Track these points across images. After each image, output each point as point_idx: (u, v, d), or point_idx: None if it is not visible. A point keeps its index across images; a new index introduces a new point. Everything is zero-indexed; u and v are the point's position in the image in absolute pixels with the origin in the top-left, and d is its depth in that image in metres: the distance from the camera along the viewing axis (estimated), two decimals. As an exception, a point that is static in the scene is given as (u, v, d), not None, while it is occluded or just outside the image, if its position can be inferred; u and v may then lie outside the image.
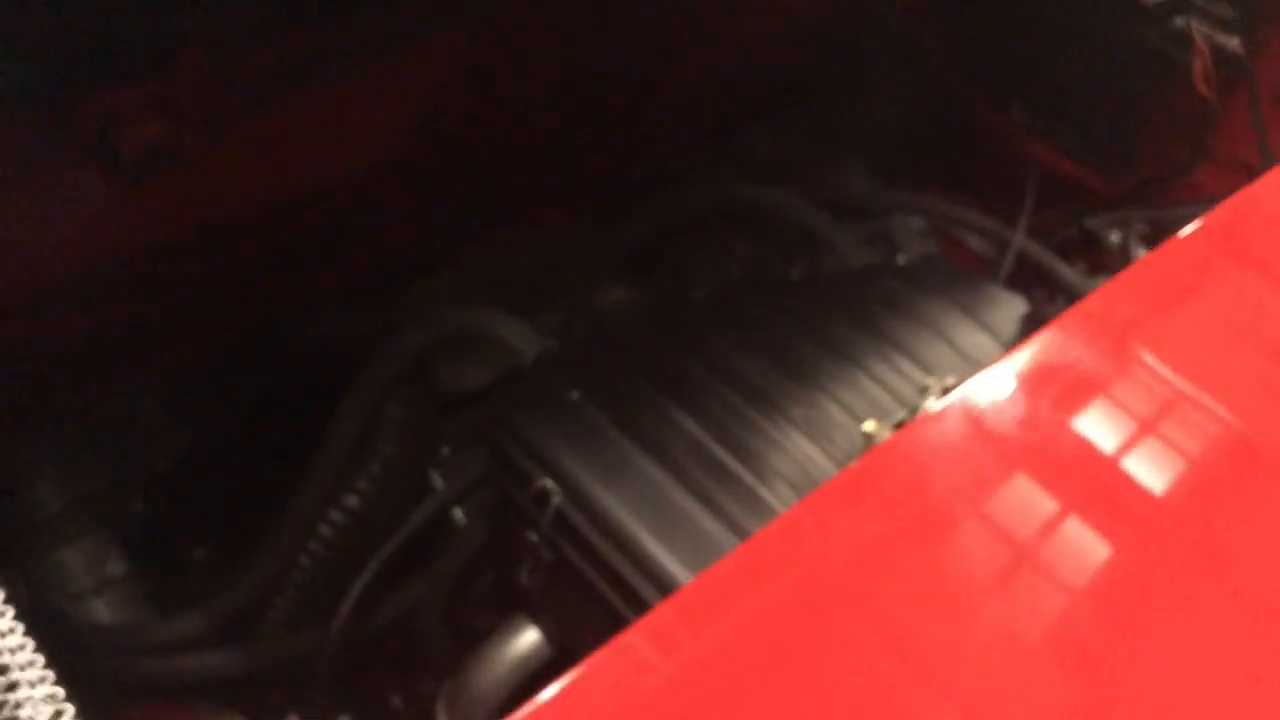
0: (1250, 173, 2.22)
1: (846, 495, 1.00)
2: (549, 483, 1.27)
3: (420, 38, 1.38)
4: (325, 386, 1.55)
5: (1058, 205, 2.28)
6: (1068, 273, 2.01)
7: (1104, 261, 2.18)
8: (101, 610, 1.53)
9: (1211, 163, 2.25)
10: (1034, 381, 1.13)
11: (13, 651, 0.82)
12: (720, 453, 1.31)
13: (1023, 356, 1.16)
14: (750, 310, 1.49)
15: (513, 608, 1.49)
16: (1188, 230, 1.36)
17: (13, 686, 0.80)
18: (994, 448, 1.04)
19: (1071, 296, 2.01)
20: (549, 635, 1.46)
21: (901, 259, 1.79)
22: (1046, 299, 2.07)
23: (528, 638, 1.47)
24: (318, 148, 1.43)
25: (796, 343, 1.44)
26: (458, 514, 1.61)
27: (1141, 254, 2.05)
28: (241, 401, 1.60)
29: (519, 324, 1.49)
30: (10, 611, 0.81)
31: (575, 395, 1.33)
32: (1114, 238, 2.15)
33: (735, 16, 1.89)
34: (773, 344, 1.43)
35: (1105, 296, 1.28)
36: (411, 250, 1.71)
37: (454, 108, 1.53)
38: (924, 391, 1.27)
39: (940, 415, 1.06)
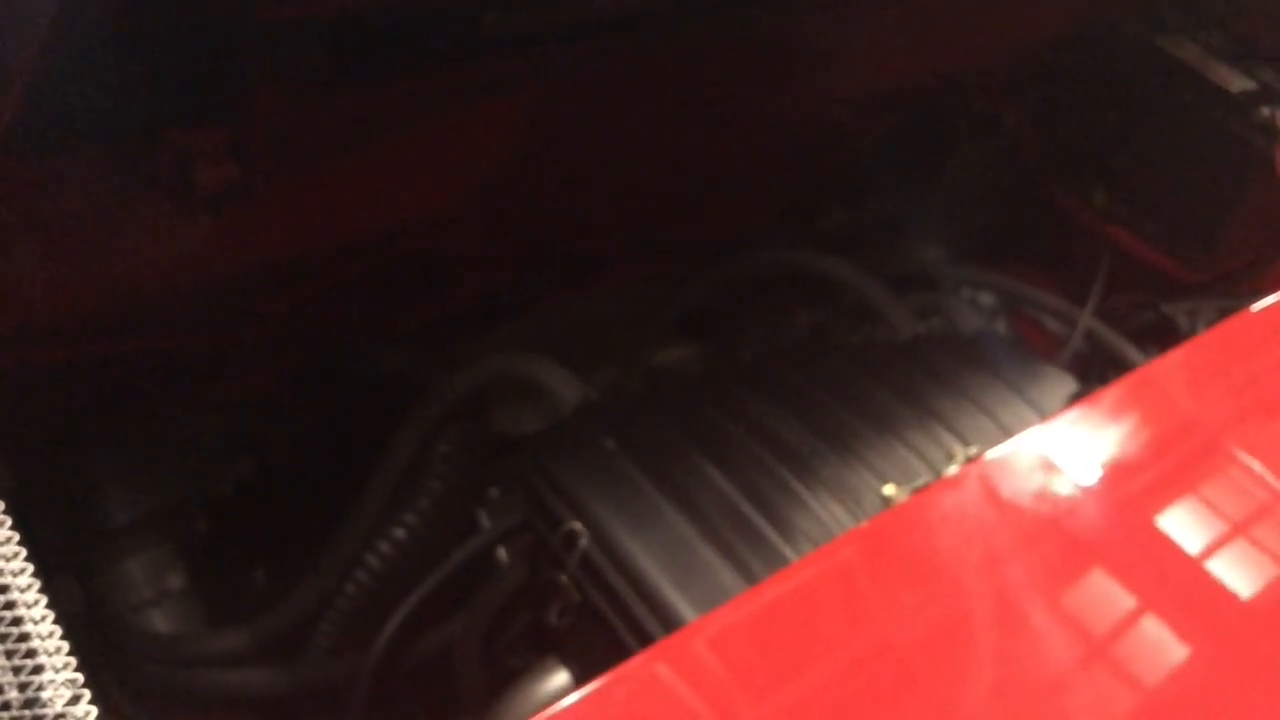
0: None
1: (846, 554, 1.01)
2: (577, 526, 1.31)
3: (495, 92, 1.44)
4: (382, 420, 1.61)
5: (1134, 290, 2.26)
6: (1136, 354, 1.99)
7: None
8: (158, 620, 1.60)
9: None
10: (1058, 453, 1.13)
11: (43, 638, 0.88)
12: (747, 508, 1.33)
13: (1052, 428, 1.17)
14: (793, 374, 1.52)
15: (544, 649, 1.53)
16: (1240, 316, 1.36)
17: (38, 669, 0.86)
18: (1002, 516, 1.05)
19: (1138, 381, 1.98)
20: (577, 677, 1.48)
21: (955, 332, 1.80)
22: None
23: (558, 680, 1.49)
24: (388, 194, 1.50)
25: (835, 408, 1.46)
26: (501, 554, 1.65)
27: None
28: (303, 430, 1.67)
29: (563, 372, 1.54)
30: (43, 601, 0.87)
31: (610, 443, 1.37)
32: (1185, 323, 2.13)
33: (814, 91, 1.93)
34: (812, 408, 1.45)
35: (1144, 374, 1.28)
36: (476, 298, 1.77)
37: (525, 163, 1.59)
38: (950, 458, 1.28)
39: (956, 480, 1.08)
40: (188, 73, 1.07)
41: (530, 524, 1.44)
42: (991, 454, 1.13)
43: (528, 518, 1.44)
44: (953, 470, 1.19)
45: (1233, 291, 2.22)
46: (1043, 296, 2.10)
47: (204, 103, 1.13)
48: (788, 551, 1.30)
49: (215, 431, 1.61)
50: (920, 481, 1.23)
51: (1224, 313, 2.06)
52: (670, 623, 1.25)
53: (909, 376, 1.52)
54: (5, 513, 0.90)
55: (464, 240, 1.67)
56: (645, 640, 1.28)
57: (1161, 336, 2.20)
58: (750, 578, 1.27)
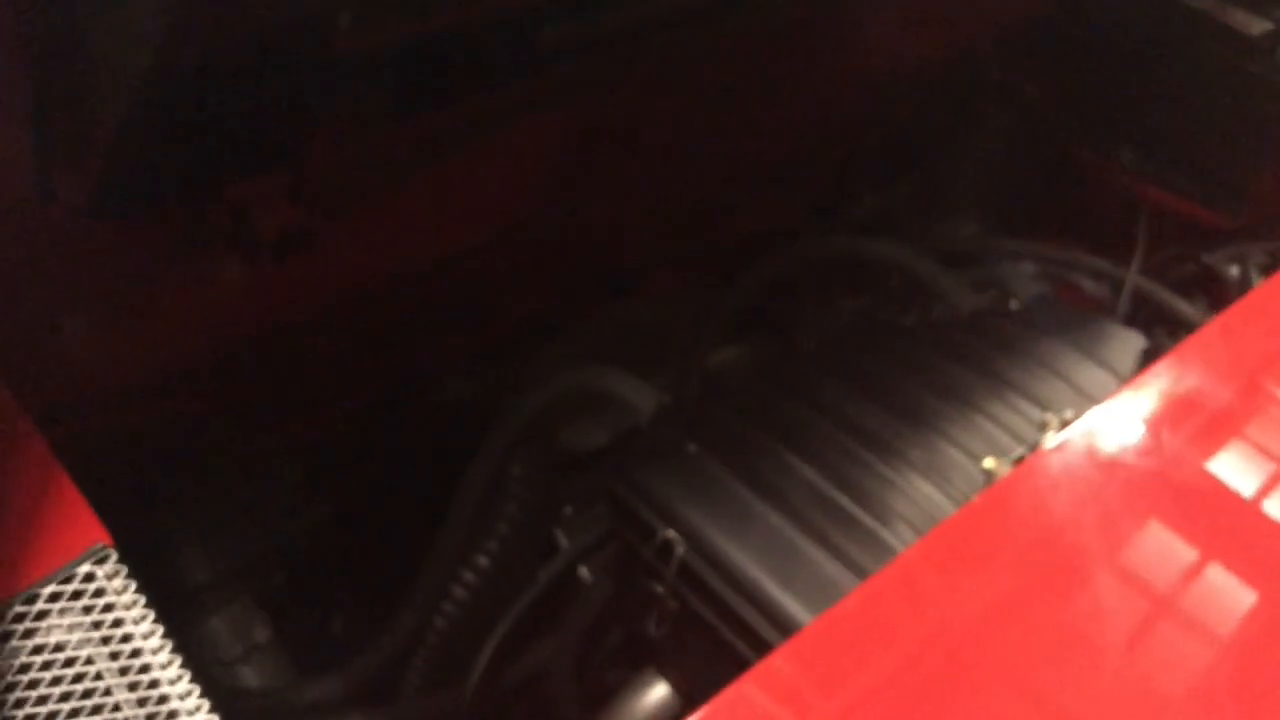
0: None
1: (966, 533, 1.00)
2: (672, 534, 1.30)
3: (540, 109, 1.44)
4: (453, 451, 1.60)
5: (1173, 244, 2.25)
6: (1188, 309, 1.98)
7: (1225, 297, 2.14)
8: (250, 676, 1.59)
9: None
10: (1152, 414, 1.12)
11: (181, 698, 0.88)
12: (839, 497, 1.32)
13: (1140, 389, 1.15)
14: (861, 358, 1.50)
15: (641, 662, 1.52)
16: None
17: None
18: (1115, 482, 1.04)
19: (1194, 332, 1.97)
20: (677, 688, 1.47)
21: (1014, 303, 1.79)
22: (1169, 337, 2.04)
23: (657, 692, 1.48)
24: (441, 222, 1.50)
25: (909, 387, 1.45)
26: (583, 572, 1.64)
27: (1259, 279, 2.00)
28: (374, 470, 1.66)
29: (635, 381, 1.53)
30: (177, 661, 0.87)
31: (693, 448, 1.36)
32: (1232, 271, 2.11)
33: (836, 76, 1.93)
34: (885, 390, 1.44)
35: (1221, 326, 1.27)
36: (531, 316, 1.77)
37: (568, 179, 1.60)
38: (1043, 427, 1.27)
39: (1058, 450, 1.06)
40: (246, 122, 1.06)
41: (617, 536, 1.43)
42: (1086, 418, 1.11)
43: (615, 531, 1.43)
44: (1049, 438, 1.17)
45: (1274, 234, 2.20)
46: (1084, 259, 2.09)
47: (261, 150, 1.13)
48: (886, 536, 1.28)
49: (285, 480, 1.60)
50: (1018, 453, 1.21)
51: (1274, 255, 2.04)
52: (779, 620, 1.23)
53: (978, 350, 1.51)
54: (129, 576, 0.89)
55: (511, 261, 1.67)
56: (754, 641, 1.27)
57: (1206, 287, 2.19)
58: (853, 566, 1.26)
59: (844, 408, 1.41)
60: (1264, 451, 1.11)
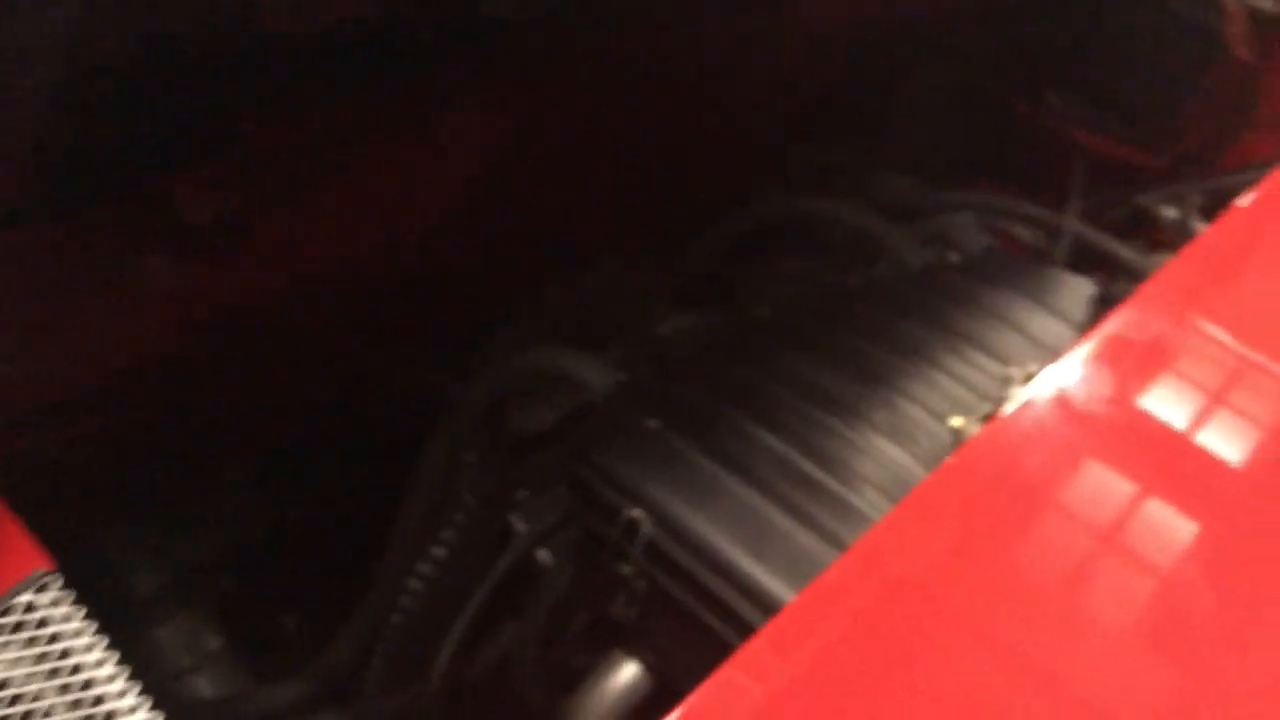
0: (1295, 133, 2.20)
1: (942, 497, 0.98)
2: (637, 513, 1.27)
3: (468, 96, 1.38)
4: (404, 443, 1.55)
5: (1106, 187, 2.26)
6: (1127, 252, 1.99)
7: (1160, 238, 2.16)
8: (204, 686, 1.54)
9: (1257, 126, 2.23)
10: (1116, 364, 1.11)
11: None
12: (805, 465, 1.30)
13: (1099, 339, 1.14)
14: (816, 322, 1.48)
15: (608, 643, 1.48)
16: (1244, 200, 1.34)
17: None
18: (1085, 436, 1.02)
19: (1134, 275, 1.98)
20: (648, 666, 1.44)
21: (957, 256, 1.78)
22: (1107, 281, 2.05)
23: (627, 672, 1.45)
24: (383, 208, 1.44)
25: (867, 348, 1.42)
26: (543, 555, 1.60)
27: (1200, 226, 2.02)
28: (324, 466, 1.61)
29: (588, 359, 1.49)
30: (129, 685, 0.82)
31: (653, 424, 1.33)
32: (1169, 213, 2.12)
33: (768, 40, 1.90)
34: (843, 353, 1.42)
35: (1173, 273, 1.26)
36: (477, 301, 1.72)
37: (511, 159, 1.54)
38: (1006, 382, 1.25)
39: (1027, 406, 1.05)
40: (173, 113, 1.00)
41: (580, 519, 1.39)
42: (1050, 372, 1.10)
43: (576, 513, 1.39)
44: (1014, 393, 1.16)
45: (1205, 172, 2.22)
46: (1023, 207, 2.09)
47: (192, 142, 1.07)
48: (855, 500, 1.26)
49: (233, 481, 1.54)
50: (985, 410, 1.20)
51: (1207, 195, 2.06)
52: (753, 593, 1.21)
53: (931, 306, 1.49)
54: (74, 602, 0.84)
55: (457, 245, 1.62)
56: (727, 616, 1.24)
57: (1142, 229, 2.20)
58: (824, 534, 1.24)
59: (803, 373, 1.39)
60: (1225, 398, 1.10)
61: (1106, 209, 2.24)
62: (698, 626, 1.28)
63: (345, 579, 1.63)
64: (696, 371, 1.42)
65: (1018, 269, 1.59)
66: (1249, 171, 2.16)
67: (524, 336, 1.77)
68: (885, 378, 1.38)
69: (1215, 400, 1.10)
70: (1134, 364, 1.12)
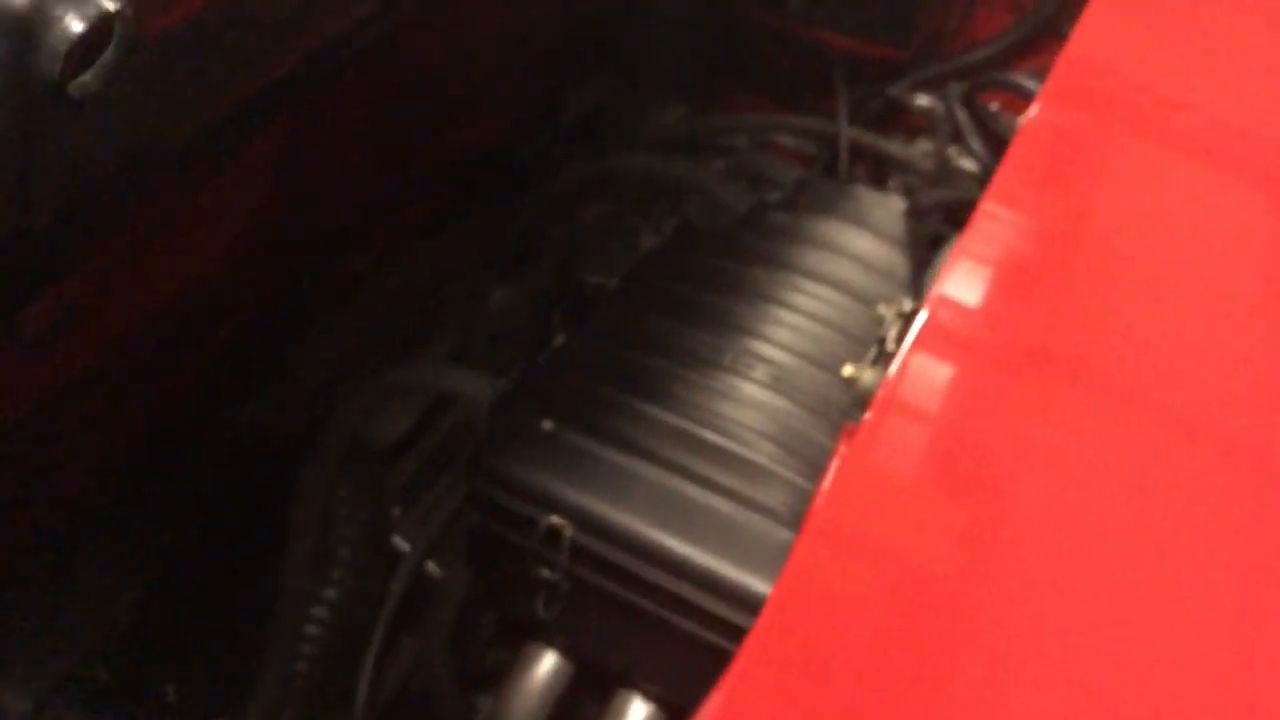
0: (1020, 9, 2.36)
1: (878, 458, 1.02)
2: (555, 519, 1.26)
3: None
4: (266, 484, 1.47)
5: (857, 83, 2.35)
6: (898, 149, 2.09)
7: (916, 125, 2.28)
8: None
9: (985, 6, 2.37)
10: (990, 285, 1.18)
11: None
12: (702, 433, 1.32)
13: (962, 264, 1.20)
14: (669, 283, 1.49)
15: (520, 638, 1.48)
16: (1040, 99, 1.41)
17: None
18: (993, 366, 1.09)
19: (906, 170, 2.09)
20: (566, 652, 1.45)
21: (775, 193, 1.82)
22: (871, 178, 2.16)
23: (548, 662, 1.46)
24: (180, 257, 1.34)
25: (725, 303, 1.45)
26: (431, 567, 1.58)
27: (958, 107, 2.13)
28: (183, 531, 1.50)
29: (463, 372, 1.45)
30: None
31: (547, 425, 1.31)
32: (921, 100, 2.24)
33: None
34: (706, 311, 1.44)
35: (1004, 180, 1.33)
36: (293, 317, 1.63)
37: (290, 183, 1.45)
38: (879, 323, 1.30)
39: (922, 345, 1.10)
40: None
41: (485, 532, 1.36)
42: (931, 306, 1.15)
43: (477, 526, 1.37)
44: (892, 334, 1.21)
45: (943, 56, 2.35)
46: (798, 120, 2.15)
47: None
48: (758, 458, 1.30)
49: (90, 570, 1.42)
50: (872, 354, 1.24)
51: (957, 74, 2.17)
52: (688, 573, 1.24)
53: (770, 248, 1.53)
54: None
55: (259, 268, 1.52)
56: (663, 598, 1.26)
57: (897, 119, 2.32)
58: (740, 499, 1.27)
59: (673, 339, 1.41)
60: (1103, 292, 1.18)
61: (860, 105, 2.34)
62: (631, 613, 1.30)
63: (227, 636, 1.55)
64: (568, 362, 1.41)
65: (834, 195, 1.65)
66: (983, 48, 2.31)
67: (351, 339, 1.70)
68: (751, 329, 1.41)
69: (1091, 298, 1.17)
70: (1006, 281, 1.19)
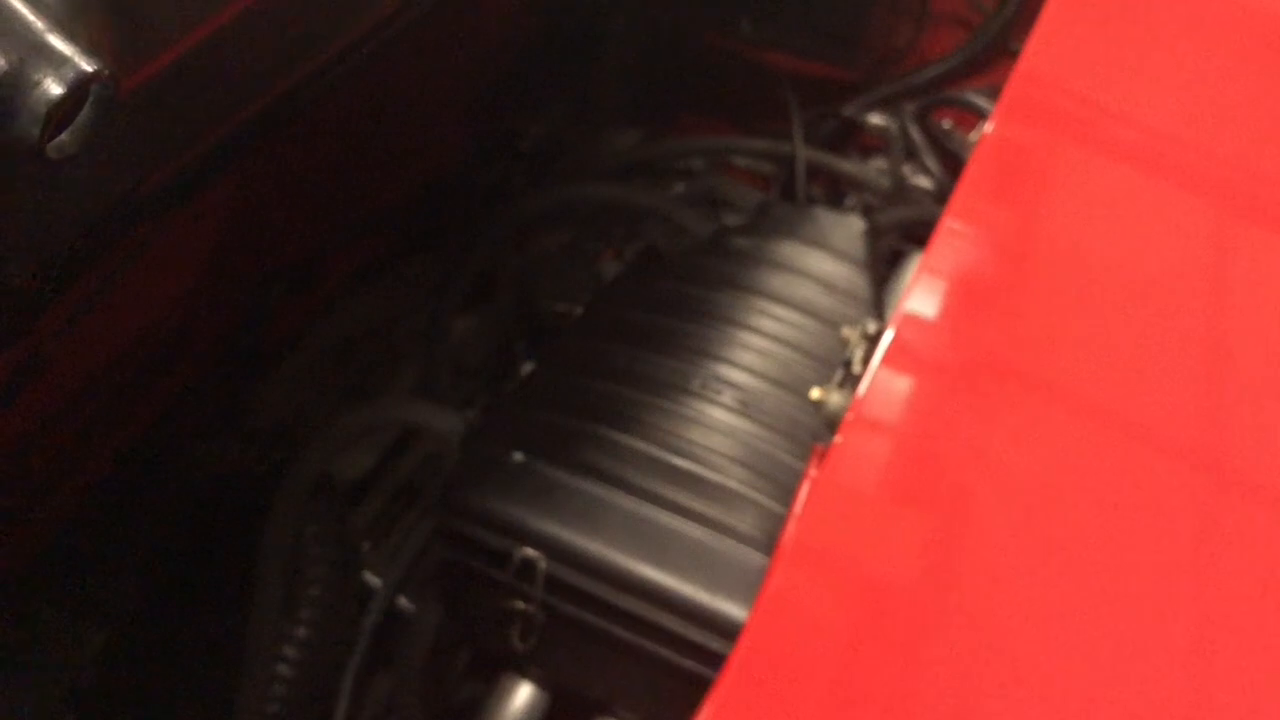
0: (968, 27, 2.40)
1: (848, 480, 1.02)
2: (530, 552, 1.25)
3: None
4: (231, 525, 1.46)
5: (810, 104, 2.38)
6: (854, 169, 2.11)
7: (870, 144, 2.30)
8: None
9: (931, 24, 2.41)
10: (949, 302, 1.19)
11: None
12: (672, 459, 1.32)
13: (926, 283, 1.22)
14: (631, 311, 1.49)
15: (494, 670, 1.47)
16: (996, 115, 1.44)
17: None
18: (965, 384, 1.10)
19: (863, 189, 2.11)
20: (542, 683, 1.45)
21: (734, 217, 1.83)
22: (828, 197, 2.17)
23: (524, 693, 1.45)
24: (137, 301, 1.32)
25: (690, 328, 1.46)
26: (402, 603, 1.57)
27: (911, 125, 2.15)
28: (148, 577, 1.48)
29: (432, 406, 1.44)
30: None
31: (518, 456, 1.31)
32: (875, 119, 2.26)
33: (463, 29, 1.84)
34: (670, 339, 1.44)
35: (963, 197, 1.35)
36: (251, 356, 1.61)
37: (250, 221, 1.44)
38: (845, 344, 1.31)
39: (889, 366, 1.11)
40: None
41: (458, 567, 1.36)
42: (896, 325, 1.16)
43: (449, 561, 1.36)
44: (858, 355, 1.22)
45: (893, 75, 2.38)
46: (753, 142, 2.17)
47: None
48: (729, 483, 1.30)
49: (53, 625, 1.40)
50: (839, 376, 1.25)
51: (909, 94, 2.20)
52: (665, 601, 1.23)
53: (731, 272, 1.53)
54: None
55: (209, 310, 1.50)
56: (641, 628, 1.26)
57: (849, 139, 2.34)
58: (711, 524, 1.27)
59: (640, 367, 1.41)
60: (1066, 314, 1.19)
61: (814, 125, 2.36)
62: (606, 641, 1.29)
63: (188, 679, 1.53)
64: (535, 393, 1.40)
65: (795, 218, 1.66)
66: (933, 66, 2.35)
67: (310, 376, 1.69)
68: (718, 354, 1.42)
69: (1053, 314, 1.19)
70: (969, 299, 1.20)
